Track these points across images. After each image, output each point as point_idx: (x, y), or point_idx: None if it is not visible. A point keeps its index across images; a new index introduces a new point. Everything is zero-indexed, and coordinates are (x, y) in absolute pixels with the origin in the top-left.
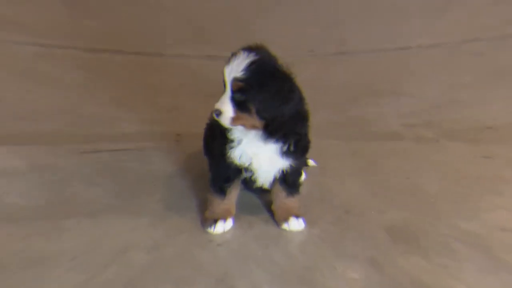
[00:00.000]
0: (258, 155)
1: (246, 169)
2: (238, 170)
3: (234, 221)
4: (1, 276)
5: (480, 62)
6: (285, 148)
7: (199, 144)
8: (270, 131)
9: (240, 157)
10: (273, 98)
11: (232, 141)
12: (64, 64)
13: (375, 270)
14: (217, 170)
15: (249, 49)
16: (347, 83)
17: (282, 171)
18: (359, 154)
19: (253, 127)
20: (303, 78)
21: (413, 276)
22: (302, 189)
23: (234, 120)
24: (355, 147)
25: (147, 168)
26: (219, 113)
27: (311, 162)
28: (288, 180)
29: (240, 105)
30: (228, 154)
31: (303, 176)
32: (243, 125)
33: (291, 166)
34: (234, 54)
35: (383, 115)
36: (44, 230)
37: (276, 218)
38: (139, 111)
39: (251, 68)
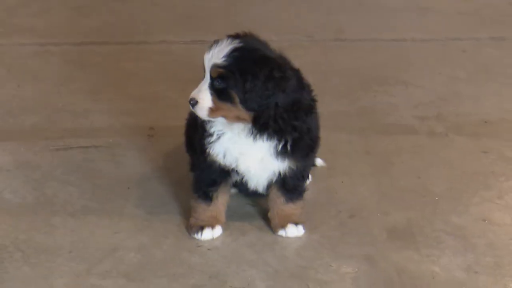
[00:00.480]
0: (246, 154)
1: (234, 171)
2: (224, 172)
3: (224, 229)
4: (15, 260)
5: (467, 58)
6: (279, 147)
7: (175, 140)
8: (260, 125)
9: (224, 156)
10: (260, 85)
11: (210, 135)
12: (54, 60)
13: (369, 264)
14: (200, 171)
15: (235, 36)
16: (351, 69)
17: (279, 174)
18: (372, 152)
19: (238, 119)
20: (303, 63)
21: (400, 265)
22: (306, 194)
23: (212, 111)
24: (368, 143)
25: (119, 169)
26: (194, 102)
27: (319, 162)
28: (288, 185)
29: (220, 93)
30: (208, 150)
31: (309, 180)
32: (224, 116)
33: (290, 168)
34: (216, 41)
35: (394, 106)
36: (38, 226)
37: (272, 225)
38: (112, 102)
39: (234, 55)
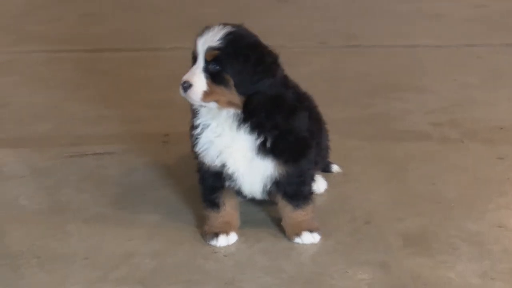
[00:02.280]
0: (229, 147)
1: (224, 173)
2: (218, 175)
3: (239, 236)
4: (31, 267)
5: (481, 64)
6: (258, 143)
7: (188, 147)
8: (249, 111)
9: (207, 151)
10: (250, 68)
11: (196, 127)
12: (66, 67)
13: (384, 271)
14: (200, 178)
15: (226, 23)
16: (364, 75)
17: (270, 179)
18: (386, 158)
19: (230, 104)
20: (316, 69)
21: (415, 272)
22: (318, 199)
23: (206, 95)
24: (382, 150)
25: (132, 176)
26: (188, 85)
27: (335, 168)
28: (289, 192)
29: (214, 77)
30: (195, 146)
31: (323, 185)
32: (216, 101)
33: (280, 174)
34: (208, 27)
35: (408, 112)
36: (53, 232)
37: (287, 234)
38: (125, 109)
39: (229, 38)
